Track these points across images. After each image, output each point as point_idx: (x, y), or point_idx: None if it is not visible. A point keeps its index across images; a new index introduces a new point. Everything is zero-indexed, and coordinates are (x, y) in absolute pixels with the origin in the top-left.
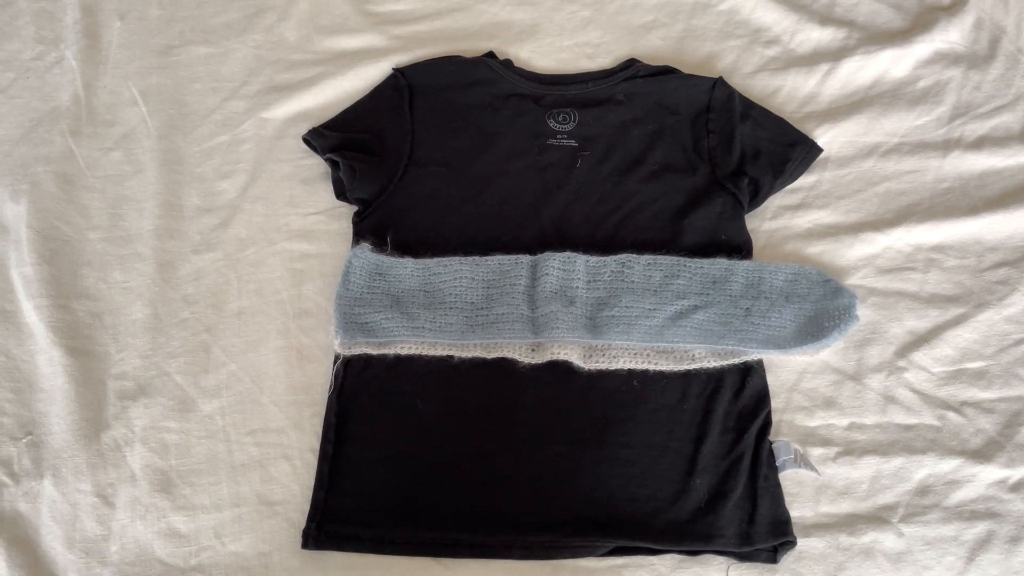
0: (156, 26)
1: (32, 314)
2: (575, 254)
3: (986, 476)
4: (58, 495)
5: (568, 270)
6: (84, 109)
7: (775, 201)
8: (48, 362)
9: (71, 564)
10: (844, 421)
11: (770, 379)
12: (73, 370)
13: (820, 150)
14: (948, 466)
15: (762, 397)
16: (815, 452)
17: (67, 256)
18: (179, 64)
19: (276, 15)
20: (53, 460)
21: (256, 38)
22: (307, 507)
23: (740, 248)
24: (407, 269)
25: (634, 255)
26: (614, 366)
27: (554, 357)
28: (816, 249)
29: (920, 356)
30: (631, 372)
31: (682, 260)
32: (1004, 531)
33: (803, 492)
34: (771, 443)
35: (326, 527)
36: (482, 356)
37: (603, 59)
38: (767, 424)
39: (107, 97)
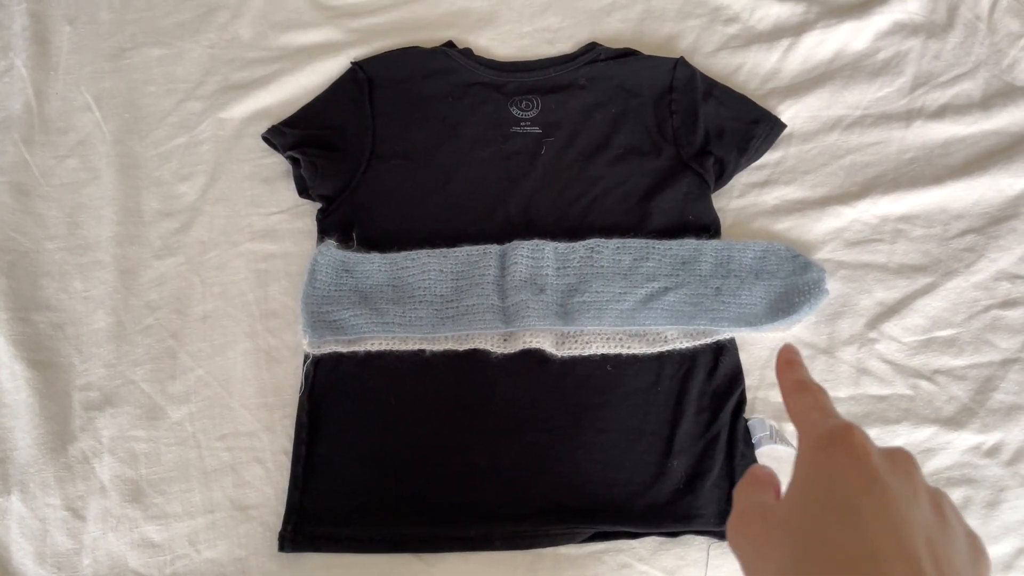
0: (107, 30)
1: None
2: (543, 241)
3: (961, 443)
4: (26, 511)
5: (537, 258)
6: (36, 117)
7: (741, 179)
8: (10, 376)
9: None
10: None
11: (743, 357)
12: (36, 383)
13: (784, 126)
14: (923, 434)
15: (736, 375)
16: (791, 427)
17: (25, 267)
18: (132, 67)
19: (229, 13)
20: (20, 475)
21: (210, 37)
22: (282, 510)
23: (708, 227)
24: (374, 264)
25: (602, 240)
26: (587, 352)
27: (526, 346)
28: (784, 225)
29: (891, 327)
30: (604, 357)
31: (651, 242)
32: (981, 496)
33: (780, 468)
34: (746, 421)
35: (302, 529)
36: (454, 348)
37: (563, 44)
38: (742, 402)
39: (60, 104)
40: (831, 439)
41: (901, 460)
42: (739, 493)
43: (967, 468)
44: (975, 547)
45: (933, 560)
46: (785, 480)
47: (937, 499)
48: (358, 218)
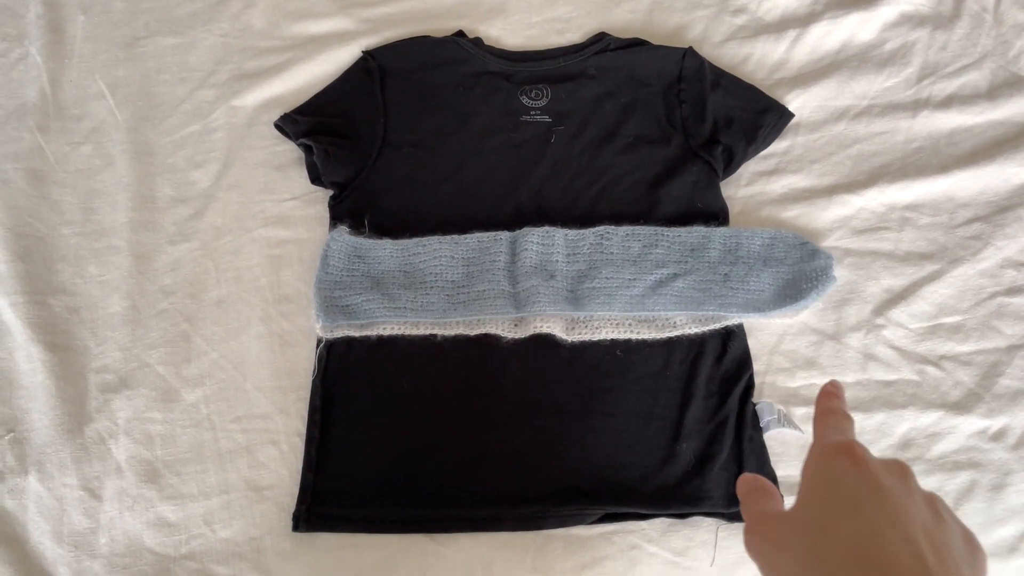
0: (120, 18)
1: (8, 311)
2: (554, 228)
3: (966, 427)
4: (44, 490)
5: (547, 244)
6: (51, 105)
7: (749, 168)
8: (27, 359)
9: (60, 558)
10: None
11: (751, 342)
12: (53, 365)
13: (791, 115)
14: (929, 419)
15: (744, 360)
16: (798, 412)
17: (41, 252)
18: (146, 55)
19: (242, 2)
20: (37, 456)
21: (223, 26)
22: (296, 491)
23: (716, 215)
24: (386, 250)
25: (612, 227)
26: (597, 337)
27: (537, 331)
28: (791, 213)
29: (897, 313)
30: (614, 342)
31: (660, 229)
32: (986, 480)
33: (788, 451)
34: (754, 405)
35: (316, 509)
36: (465, 333)
37: (573, 34)
38: (750, 386)
39: (74, 91)
40: (836, 449)
41: (897, 468)
42: (747, 506)
43: (973, 452)
44: (971, 542)
45: (931, 545)
46: (792, 462)
47: (932, 501)
48: (370, 205)
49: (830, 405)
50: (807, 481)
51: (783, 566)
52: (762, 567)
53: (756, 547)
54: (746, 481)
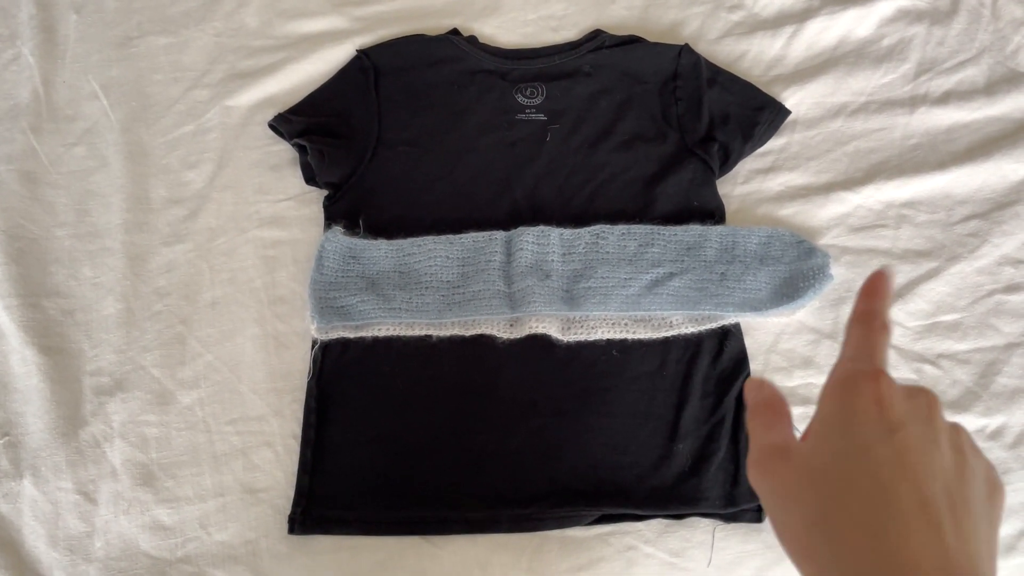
0: (113, 18)
1: (2, 314)
2: (549, 227)
3: (964, 425)
4: (39, 494)
5: (543, 244)
6: (44, 105)
7: (746, 165)
8: (21, 362)
9: (56, 562)
10: (822, 379)
11: (748, 341)
12: (47, 368)
13: (788, 112)
14: None
15: (741, 360)
16: (795, 411)
17: (35, 254)
18: (139, 55)
19: (235, 1)
20: (32, 460)
21: (216, 25)
22: (292, 493)
23: (713, 213)
24: (381, 251)
25: (608, 226)
26: (593, 337)
27: (532, 331)
28: (788, 211)
29: (895, 311)
30: (610, 342)
31: (656, 228)
32: None
33: None
34: None
35: (312, 511)
36: (460, 334)
37: (568, 31)
38: None
39: (67, 92)
40: (856, 382)
41: (923, 403)
42: (754, 427)
43: None
44: (992, 482)
45: (950, 507)
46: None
47: (956, 436)
48: (364, 205)
49: (870, 308)
50: (824, 412)
51: (789, 519)
52: (767, 507)
53: (760, 485)
54: (754, 387)
